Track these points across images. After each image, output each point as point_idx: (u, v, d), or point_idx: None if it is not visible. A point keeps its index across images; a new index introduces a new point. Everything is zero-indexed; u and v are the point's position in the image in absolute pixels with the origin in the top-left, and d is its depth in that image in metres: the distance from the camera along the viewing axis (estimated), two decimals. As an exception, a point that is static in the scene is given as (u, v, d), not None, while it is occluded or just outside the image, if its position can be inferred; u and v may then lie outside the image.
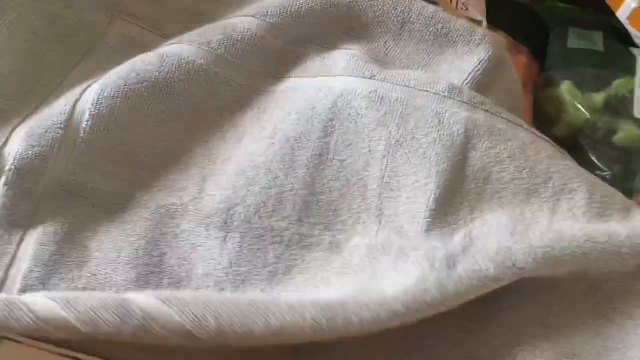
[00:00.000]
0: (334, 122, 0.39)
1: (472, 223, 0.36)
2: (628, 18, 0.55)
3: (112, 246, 0.35)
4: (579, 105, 0.50)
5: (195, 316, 0.29)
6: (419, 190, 0.37)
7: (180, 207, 0.37)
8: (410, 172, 0.38)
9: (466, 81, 0.43)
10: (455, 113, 0.38)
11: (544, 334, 0.35)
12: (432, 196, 0.37)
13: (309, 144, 0.39)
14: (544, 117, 0.51)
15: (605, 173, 0.47)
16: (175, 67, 0.40)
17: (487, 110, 0.39)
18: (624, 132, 0.49)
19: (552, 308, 0.36)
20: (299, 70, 0.43)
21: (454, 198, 0.37)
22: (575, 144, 0.49)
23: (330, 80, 0.41)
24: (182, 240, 0.36)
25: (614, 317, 0.35)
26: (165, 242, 0.36)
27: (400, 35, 0.46)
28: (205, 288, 0.34)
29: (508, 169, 0.37)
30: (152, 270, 0.35)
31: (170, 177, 0.38)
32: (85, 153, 0.37)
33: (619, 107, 0.51)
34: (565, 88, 0.51)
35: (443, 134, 0.38)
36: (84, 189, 0.36)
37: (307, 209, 0.37)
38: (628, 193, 0.46)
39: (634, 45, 0.56)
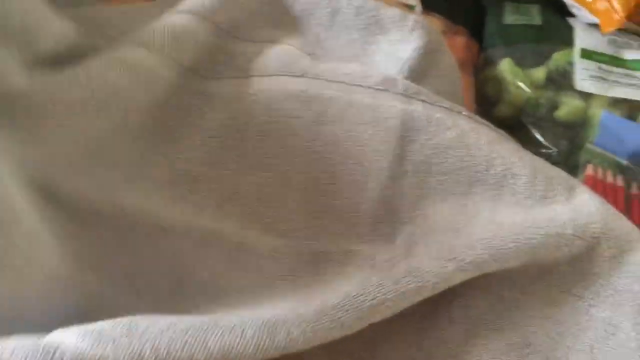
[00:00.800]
0: (270, 126, 0.38)
1: (415, 221, 0.35)
2: (563, -12, 0.54)
3: None
4: (520, 83, 0.49)
5: (132, 352, 0.28)
6: (358, 191, 0.36)
7: None
8: (348, 172, 0.36)
9: (402, 70, 0.42)
10: (391, 107, 0.37)
11: (496, 326, 0.34)
12: (372, 196, 0.36)
13: (243, 147, 0.37)
14: (486, 99, 0.50)
15: (551, 150, 0.46)
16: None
17: (423, 101, 0.38)
18: (567, 107, 0.48)
19: (503, 299, 0.35)
20: (232, 70, 0.41)
21: (395, 196, 0.36)
22: (519, 123, 0.48)
23: (263, 81, 0.39)
24: None
25: (565, 301, 0.35)
26: None
27: (331, 26, 0.45)
28: None
29: (449, 159, 0.36)
30: None
31: None
32: None
33: (560, 80, 0.50)
34: (505, 66, 0.50)
35: (379, 130, 0.37)
36: None
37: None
38: (575, 168, 0.45)
39: (572, 15, 0.56)
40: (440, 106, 0.38)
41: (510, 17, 0.53)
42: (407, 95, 0.38)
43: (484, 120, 0.39)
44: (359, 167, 0.36)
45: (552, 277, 0.35)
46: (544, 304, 0.35)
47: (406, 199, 0.36)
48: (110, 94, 0.35)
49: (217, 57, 0.41)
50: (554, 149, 0.46)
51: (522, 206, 0.35)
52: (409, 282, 0.32)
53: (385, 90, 0.38)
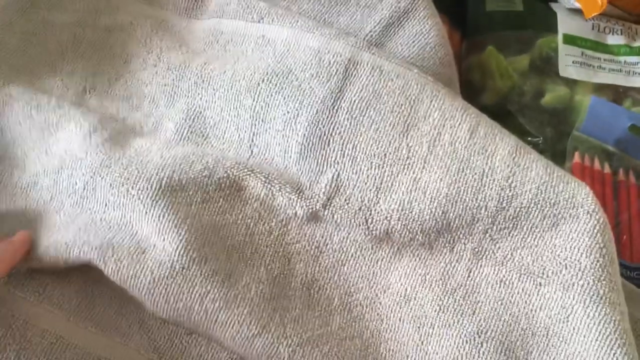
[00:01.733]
0: (217, 52, 0.41)
1: (342, 161, 0.36)
2: (544, -27, 0.54)
3: None
4: (504, 71, 0.48)
5: None
6: (289, 123, 0.36)
7: None
8: (282, 102, 0.37)
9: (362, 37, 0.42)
10: (338, 54, 0.38)
11: (445, 319, 0.34)
12: (302, 130, 0.36)
13: (189, 72, 0.40)
14: (471, 86, 0.49)
15: (537, 139, 0.46)
16: None
17: (373, 54, 0.38)
18: (552, 94, 0.47)
19: (447, 287, 0.35)
20: (197, 12, 0.44)
21: (326, 131, 0.36)
22: (504, 110, 0.47)
23: (222, 23, 0.42)
24: None
25: (515, 282, 0.35)
26: None
27: None
28: None
29: (387, 103, 0.36)
30: None
31: None
32: None
33: (544, 67, 0.49)
34: (489, 54, 0.50)
35: (321, 72, 0.37)
36: None
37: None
38: (562, 155, 0.45)
39: (554, 0, 0.55)
40: (391, 61, 0.38)
41: (492, 4, 0.53)
42: (358, 47, 0.38)
43: (437, 82, 0.38)
44: (292, 99, 0.37)
45: (496, 255, 0.35)
46: (492, 287, 0.35)
47: (338, 136, 0.36)
48: None
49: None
50: (540, 137, 0.46)
51: (459, 155, 0.35)
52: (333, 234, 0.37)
53: (338, 39, 0.38)
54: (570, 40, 0.51)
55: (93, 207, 0.35)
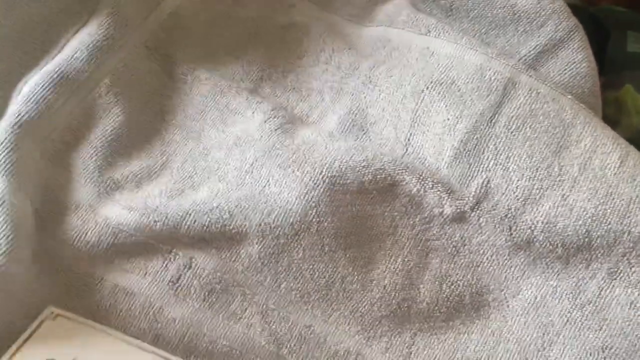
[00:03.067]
0: (383, 57, 0.44)
1: (494, 169, 0.38)
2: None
3: None
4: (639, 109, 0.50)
5: None
6: (448, 128, 0.40)
7: None
8: (444, 109, 0.40)
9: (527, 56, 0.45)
10: (498, 72, 0.41)
11: (571, 331, 0.37)
12: (459, 136, 0.39)
13: (358, 73, 0.44)
14: (605, 119, 0.51)
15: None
16: None
17: (531, 76, 0.41)
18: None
19: (577, 301, 0.38)
20: (366, 19, 0.47)
21: (482, 140, 0.39)
22: (638, 146, 0.49)
23: (389, 31, 0.45)
24: None
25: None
26: None
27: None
28: None
29: (542, 123, 0.39)
30: None
31: None
32: None
33: (678, 111, 0.51)
34: (626, 92, 0.52)
35: (482, 86, 0.40)
36: None
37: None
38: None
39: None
40: (547, 85, 0.41)
41: (633, 46, 0.55)
42: (517, 68, 0.41)
43: (587, 108, 0.41)
44: (453, 108, 0.40)
45: (629, 277, 0.37)
46: (623, 306, 0.37)
47: (492, 145, 0.39)
48: None
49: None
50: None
51: (607, 181, 0.37)
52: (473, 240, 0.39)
53: (498, 59, 0.41)
54: None
55: (255, 183, 0.39)
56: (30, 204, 0.36)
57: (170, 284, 0.36)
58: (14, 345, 0.30)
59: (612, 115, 0.51)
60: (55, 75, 0.39)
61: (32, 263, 0.35)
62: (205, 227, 0.37)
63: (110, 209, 0.37)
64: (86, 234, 0.36)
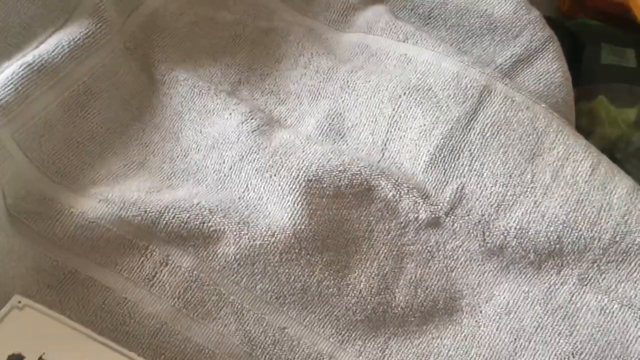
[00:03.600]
0: (361, 63, 0.44)
1: (469, 175, 0.39)
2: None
3: None
4: (613, 120, 0.51)
5: None
6: (424, 134, 0.40)
7: None
8: (420, 115, 0.41)
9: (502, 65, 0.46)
10: (474, 80, 0.41)
11: (542, 336, 0.38)
12: (435, 142, 0.40)
13: (336, 77, 0.44)
14: (580, 129, 0.52)
15: (640, 187, 0.48)
16: None
17: (506, 84, 0.42)
18: (657, 148, 0.50)
19: (548, 307, 0.38)
20: (345, 25, 0.48)
21: (457, 146, 0.40)
22: (611, 157, 0.49)
23: (368, 38, 0.46)
24: None
25: (616, 312, 0.37)
26: None
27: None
28: None
29: (517, 130, 0.40)
30: None
31: None
32: None
33: (651, 123, 0.52)
34: (599, 103, 0.53)
35: (459, 93, 0.41)
36: None
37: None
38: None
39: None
40: (522, 93, 0.41)
41: (607, 57, 0.56)
42: (493, 77, 0.42)
43: (561, 117, 0.42)
44: (429, 114, 0.41)
45: (599, 283, 0.37)
46: (593, 312, 0.37)
47: (467, 151, 0.39)
48: None
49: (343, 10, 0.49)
50: (644, 186, 0.48)
51: (579, 189, 0.38)
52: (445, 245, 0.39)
53: (474, 68, 0.42)
54: (678, 101, 0.53)
55: (234, 187, 0.39)
56: (2, 196, 0.36)
57: (145, 280, 0.36)
58: None
59: (586, 126, 0.52)
60: (34, 67, 0.38)
61: (4, 254, 0.34)
62: (183, 224, 0.37)
63: (86, 203, 0.37)
64: (61, 226, 0.36)
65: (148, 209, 0.37)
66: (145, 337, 0.35)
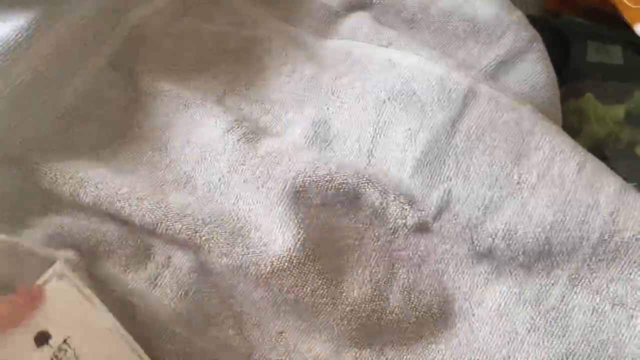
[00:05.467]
0: (345, 69, 0.44)
1: (455, 179, 0.39)
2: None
3: None
4: (600, 118, 0.51)
5: None
6: (409, 139, 0.40)
7: None
8: (405, 120, 0.41)
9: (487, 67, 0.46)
10: (458, 83, 0.41)
11: (535, 338, 0.38)
12: (420, 147, 0.40)
13: (320, 84, 0.44)
14: (567, 128, 0.52)
15: (631, 185, 0.48)
16: None
17: (491, 87, 0.42)
18: (646, 145, 0.50)
19: (540, 308, 0.38)
20: (327, 32, 0.48)
21: (443, 150, 0.39)
22: (600, 155, 0.49)
23: (351, 44, 0.46)
24: None
25: (608, 311, 0.37)
26: None
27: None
28: None
29: (502, 132, 0.39)
30: None
31: None
32: None
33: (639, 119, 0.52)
34: (587, 100, 0.53)
35: (443, 97, 0.41)
36: None
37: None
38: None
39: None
40: (507, 95, 0.41)
41: (594, 55, 0.56)
42: (477, 79, 0.42)
43: (545, 117, 0.41)
44: (414, 119, 0.40)
45: (590, 283, 0.37)
46: (585, 312, 0.37)
47: (453, 155, 0.39)
48: None
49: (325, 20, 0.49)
50: (634, 183, 0.48)
51: (565, 189, 0.38)
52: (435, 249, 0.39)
53: (459, 71, 0.42)
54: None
55: (224, 199, 0.39)
56: None
57: (148, 282, 0.36)
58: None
59: (574, 124, 0.52)
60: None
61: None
62: (177, 234, 0.37)
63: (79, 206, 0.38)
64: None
65: (146, 215, 0.37)
66: (148, 339, 0.35)
